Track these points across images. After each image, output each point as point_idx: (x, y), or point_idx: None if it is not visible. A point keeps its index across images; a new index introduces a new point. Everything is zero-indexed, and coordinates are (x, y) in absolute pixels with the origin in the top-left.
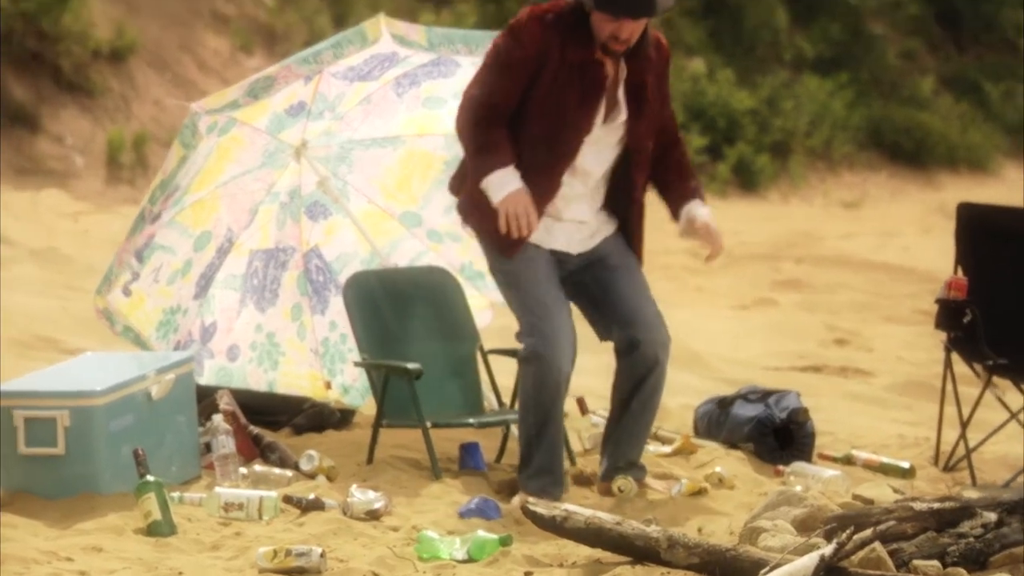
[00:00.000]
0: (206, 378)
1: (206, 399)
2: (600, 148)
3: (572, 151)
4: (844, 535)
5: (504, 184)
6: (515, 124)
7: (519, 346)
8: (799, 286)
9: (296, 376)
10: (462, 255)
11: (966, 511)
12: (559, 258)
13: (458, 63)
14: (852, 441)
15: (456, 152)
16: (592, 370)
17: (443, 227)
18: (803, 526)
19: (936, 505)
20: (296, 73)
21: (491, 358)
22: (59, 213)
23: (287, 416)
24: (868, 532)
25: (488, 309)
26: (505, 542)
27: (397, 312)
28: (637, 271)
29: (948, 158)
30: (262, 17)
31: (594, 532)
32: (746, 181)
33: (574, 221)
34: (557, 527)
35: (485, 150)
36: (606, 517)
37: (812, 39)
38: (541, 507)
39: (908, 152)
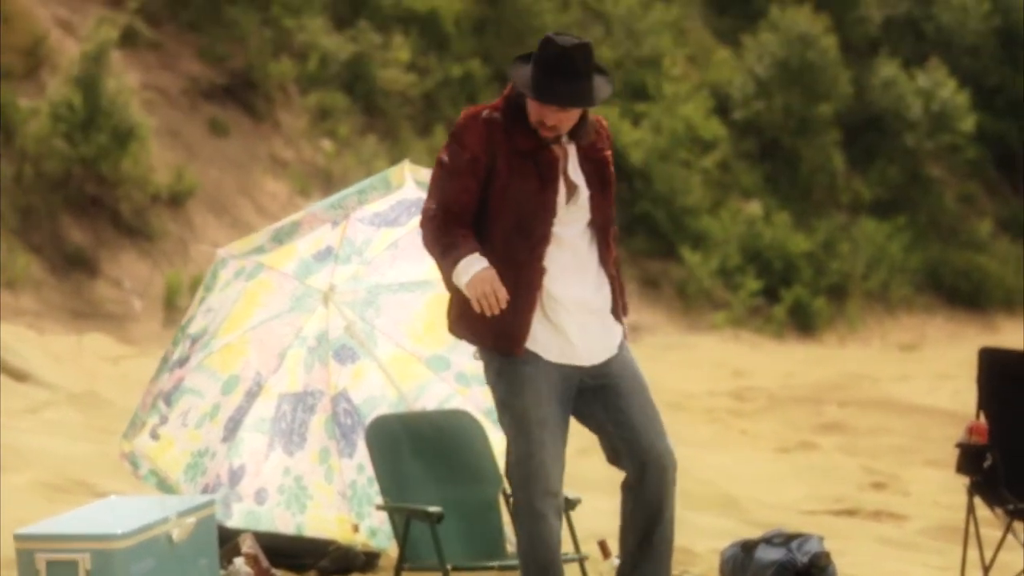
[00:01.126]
0: (234, 521)
1: (229, 542)
2: (571, 228)
3: (544, 236)
4: None
5: (469, 268)
6: (483, 224)
7: None
8: (841, 429)
9: (324, 519)
10: (490, 398)
11: None
12: (566, 374)
13: None
14: None
15: None
16: (614, 512)
17: (470, 370)
18: None
19: None
20: (321, 218)
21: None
22: (102, 357)
23: (313, 559)
24: None
25: None
26: None
27: (419, 456)
28: (646, 394)
29: (1006, 301)
30: (320, 161)
31: None
32: (803, 323)
33: (578, 307)
34: None
35: (448, 250)
36: None
37: (869, 182)
38: None
39: (966, 295)
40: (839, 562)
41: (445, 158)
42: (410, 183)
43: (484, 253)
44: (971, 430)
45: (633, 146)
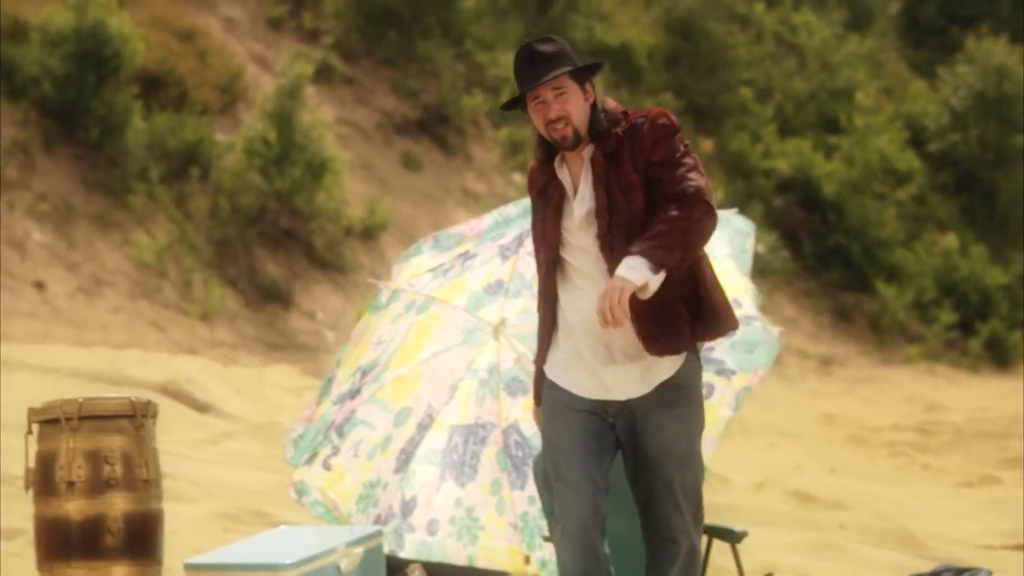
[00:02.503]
0: (407, 551)
1: (399, 572)
2: (587, 253)
3: (549, 260)
4: None
5: None
6: None
7: (715, 523)
8: None
9: (495, 550)
10: None
11: None
12: (593, 406)
13: None
14: None
15: None
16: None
17: None
18: None
19: None
20: (476, 229)
21: None
22: (285, 388)
23: None
24: None
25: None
26: None
27: None
28: (675, 455)
29: None
30: (512, 194)
31: None
32: (999, 357)
33: (590, 335)
34: None
35: None
36: None
37: None
38: None
39: None
40: None
41: None
42: None
43: None
44: None
45: (826, 178)
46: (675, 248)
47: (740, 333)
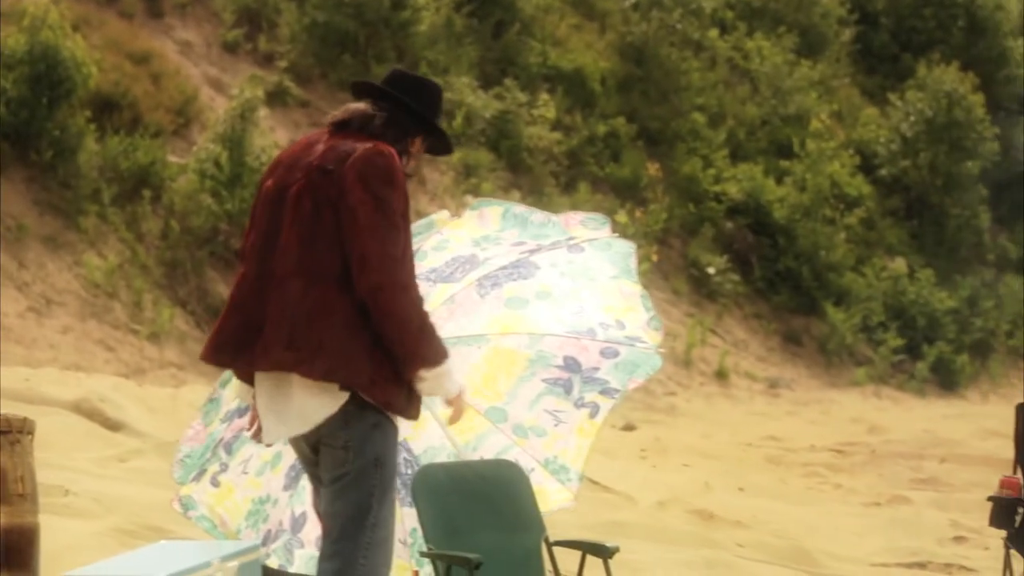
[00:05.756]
0: (296, 567)
1: None
2: None
3: None
4: None
5: (454, 371)
6: None
7: (584, 537)
8: (937, 484)
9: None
10: (547, 449)
11: None
12: None
13: (537, 265)
14: None
15: (539, 349)
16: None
17: (528, 422)
18: None
19: None
20: None
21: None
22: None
23: None
24: None
25: (572, 502)
26: None
27: (463, 504)
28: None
29: None
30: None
31: None
32: (945, 380)
33: None
34: None
35: (432, 330)
36: None
37: (1015, 239)
38: None
39: None
40: None
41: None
42: (466, 237)
43: None
44: (1003, 484)
45: (777, 203)
46: None
47: (625, 354)
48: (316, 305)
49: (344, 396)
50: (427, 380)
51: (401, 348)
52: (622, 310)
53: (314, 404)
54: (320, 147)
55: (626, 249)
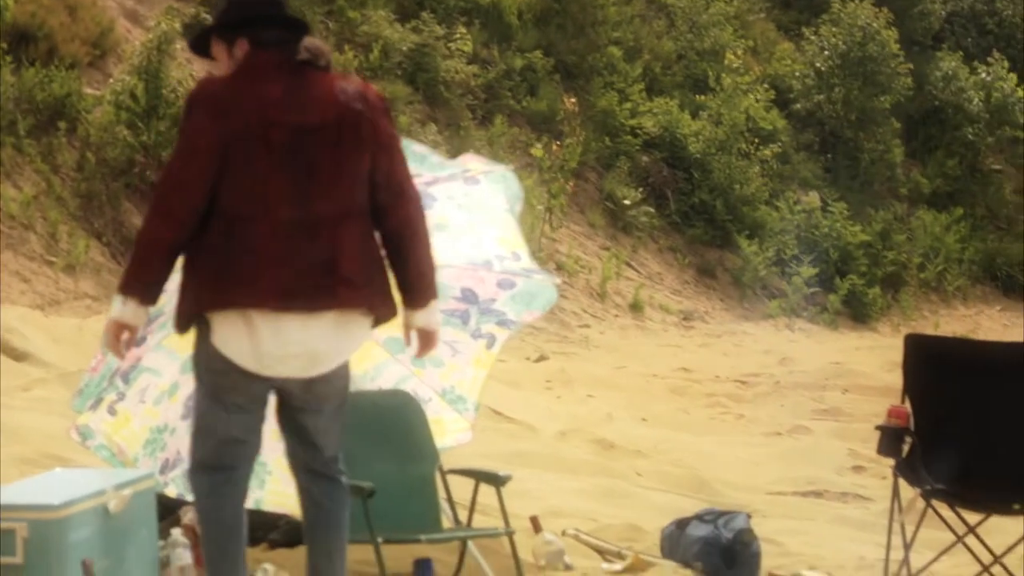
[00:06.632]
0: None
1: (172, 514)
2: None
3: None
4: None
5: None
6: None
7: (478, 466)
8: (838, 415)
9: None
10: (444, 380)
11: None
12: None
13: (434, 197)
14: (813, 562)
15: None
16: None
17: None
18: None
19: None
20: None
21: (450, 478)
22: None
23: (264, 531)
24: None
25: (468, 431)
26: None
27: (358, 434)
28: None
29: None
30: None
31: None
32: (857, 313)
33: None
34: None
35: None
36: None
37: (928, 174)
38: None
39: (1022, 286)
40: (795, 540)
41: None
42: None
43: None
44: (890, 413)
45: (692, 137)
46: (127, 268)
47: (521, 285)
48: (369, 243)
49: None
50: (433, 310)
51: (429, 276)
52: (518, 242)
53: (356, 340)
54: (314, 87)
55: (517, 191)
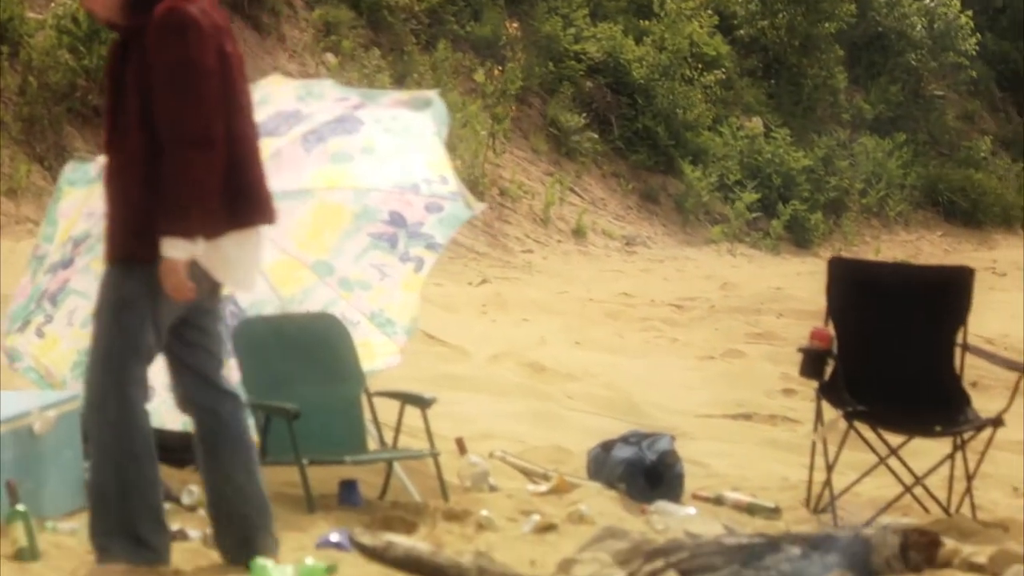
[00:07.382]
0: None
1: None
2: None
3: None
4: (637, 564)
5: None
6: None
7: (407, 389)
8: (771, 338)
9: None
10: (372, 303)
11: (772, 546)
12: None
13: (361, 120)
14: (737, 483)
15: (364, 204)
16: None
17: (354, 276)
18: (624, 558)
19: (745, 540)
20: None
21: (377, 400)
22: None
23: (191, 454)
24: (659, 563)
25: (397, 355)
26: (331, 570)
27: (284, 356)
28: None
29: (1003, 218)
30: (323, 73)
31: (414, 561)
32: (799, 238)
33: None
34: (380, 556)
35: None
36: (424, 548)
37: (871, 100)
38: (366, 538)
39: (963, 211)
40: (721, 462)
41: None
42: (290, 96)
43: None
44: (813, 335)
45: (636, 63)
46: (191, 209)
47: (449, 208)
48: None
49: None
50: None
51: None
52: (445, 166)
53: None
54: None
55: (444, 116)
